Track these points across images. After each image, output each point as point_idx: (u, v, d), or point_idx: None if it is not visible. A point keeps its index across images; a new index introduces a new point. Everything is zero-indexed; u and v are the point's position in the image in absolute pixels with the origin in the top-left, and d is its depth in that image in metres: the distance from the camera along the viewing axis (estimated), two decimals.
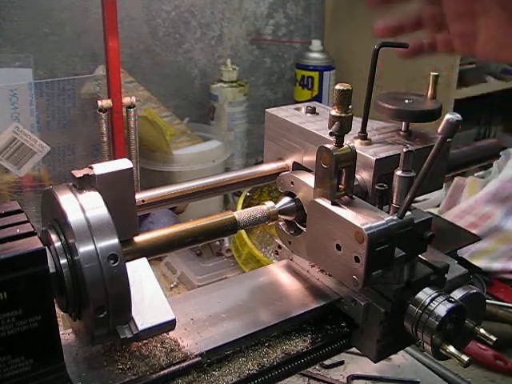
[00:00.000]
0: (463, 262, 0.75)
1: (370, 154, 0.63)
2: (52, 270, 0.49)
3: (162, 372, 0.56)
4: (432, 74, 0.68)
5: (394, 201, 0.58)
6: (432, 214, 0.73)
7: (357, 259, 0.55)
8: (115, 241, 0.50)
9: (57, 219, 0.52)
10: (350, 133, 0.59)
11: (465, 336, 0.64)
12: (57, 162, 1.32)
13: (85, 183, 0.52)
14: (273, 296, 0.68)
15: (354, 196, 0.60)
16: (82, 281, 0.49)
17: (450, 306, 0.59)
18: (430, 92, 0.69)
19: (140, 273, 0.56)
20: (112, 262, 0.49)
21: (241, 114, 1.79)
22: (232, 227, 0.63)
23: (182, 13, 1.76)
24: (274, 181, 0.71)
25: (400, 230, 0.56)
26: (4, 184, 1.26)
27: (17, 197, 1.26)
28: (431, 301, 0.60)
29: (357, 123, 0.64)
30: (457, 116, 0.51)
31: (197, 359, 0.57)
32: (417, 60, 0.76)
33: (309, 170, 0.68)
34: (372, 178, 0.62)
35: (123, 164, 0.55)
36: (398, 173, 0.57)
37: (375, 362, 0.66)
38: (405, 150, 0.56)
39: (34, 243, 0.47)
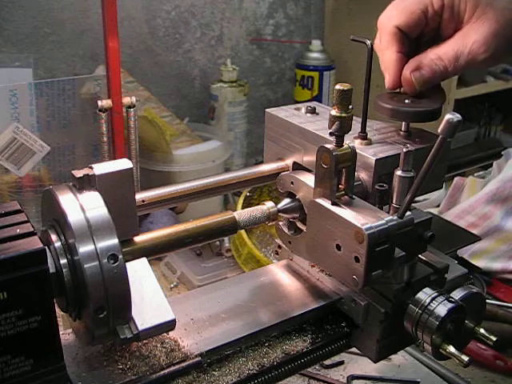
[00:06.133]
0: (463, 262, 0.75)
1: (370, 154, 0.63)
2: (52, 270, 0.49)
3: (161, 372, 0.56)
4: None
5: (394, 201, 0.58)
6: (432, 213, 0.73)
7: (357, 259, 0.55)
8: (115, 241, 0.50)
9: (57, 219, 0.52)
10: (350, 133, 0.60)
11: (465, 336, 0.64)
12: (57, 162, 1.32)
13: (85, 183, 0.52)
14: (273, 296, 0.68)
15: (353, 196, 0.60)
16: (82, 281, 0.49)
17: (450, 305, 0.59)
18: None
19: (140, 273, 0.56)
20: (112, 261, 0.49)
21: (241, 114, 1.79)
22: (232, 227, 0.63)
23: (181, 13, 1.76)
24: (274, 181, 0.71)
25: (400, 230, 0.56)
26: (4, 184, 1.26)
27: (17, 197, 1.26)
28: (431, 301, 0.60)
29: (357, 123, 0.64)
30: (457, 116, 0.51)
31: (197, 359, 0.57)
32: None
33: (309, 170, 0.68)
34: (372, 178, 0.62)
35: (123, 164, 0.55)
36: (398, 173, 0.57)
37: (375, 362, 0.66)
38: (405, 149, 0.56)
39: (34, 243, 0.47)
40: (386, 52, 0.69)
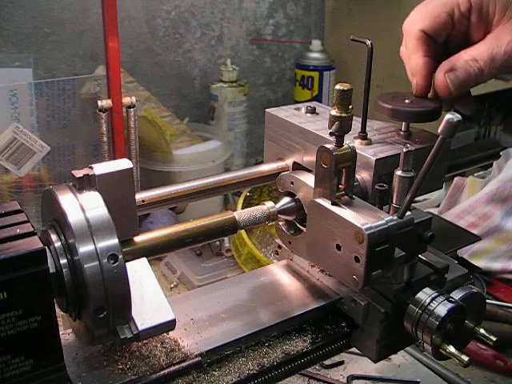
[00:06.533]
0: (463, 262, 0.75)
1: (370, 154, 0.63)
2: (52, 270, 0.49)
3: (161, 372, 0.56)
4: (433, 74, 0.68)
5: (394, 201, 0.58)
6: (432, 213, 0.73)
7: (357, 259, 0.55)
8: (115, 241, 0.50)
9: (57, 219, 0.52)
10: (350, 133, 0.60)
11: (465, 336, 0.64)
12: (57, 162, 1.32)
13: (85, 183, 0.52)
14: (273, 296, 0.68)
15: (353, 196, 0.60)
16: (82, 281, 0.49)
17: (450, 305, 0.59)
18: (430, 92, 0.69)
19: (140, 273, 0.56)
20: (112, 261, 0.49)
21: (241, 114, 1.79)
22: (232, 227, 0.63)
23: (181, 13, 1.76)
24: (274, 181, 0.71)
25: (400, 230, 0.56)
26: (4, 184, 1.26)
27: (17, 197, 1.26)
28: (431, 301, 0.60)
29: (357, 123, 0.64)
30: (457, 116, 0.51)
31: (197, 359, 0.57)
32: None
33: (309, 170, 0.68)
34: (372, 178, 0.62)
35: (123, 164, 0.55)
36: (398, 173, 0.57)
37: (375, 362, 0.66)
38: (405, 149, 0.56)
39: (34, 243, 0.47)
40: (413, 57, 0.67)
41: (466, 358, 0.58)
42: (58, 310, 0.51)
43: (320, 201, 0.60)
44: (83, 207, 0.50)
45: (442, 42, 0.69)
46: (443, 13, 0.67)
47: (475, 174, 1.60)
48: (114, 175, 0.54)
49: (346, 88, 0.57)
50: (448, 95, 0.66)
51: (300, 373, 0.99)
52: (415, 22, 0.68)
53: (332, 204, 0.58)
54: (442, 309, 0.59)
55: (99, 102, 1.19)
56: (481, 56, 0.65)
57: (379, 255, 0.55)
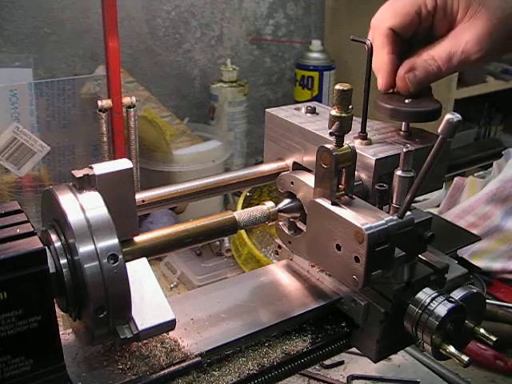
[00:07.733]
0: (463, 262, 0.75)
1: (370, 154, 0.62)
2: (52, 269, 0.49)
3: (161, 372, 0.56)
4: None
5: (394, 201, 0.58)
6: (432, 213, 0.73)
7: (357, 259, 0.55)
8: (115, 241, 0.50)
9: (57, 219, 0.52)
10: (350, 133, 0.60)
11: (465, 336, 0.64)
12: (57, 162, 1.32)
13: (85, 183, 0.52)
14: (273, 296, 0.68)
15: (354, 196, 0.60)
16: (82, 281, 0.49)
17: (450, 305, 0.59)
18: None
19: (140, 273, 0.56)
20: (112, 261, 0.49)
21: (241, 114, 1.79)
22: (232, 227, 0.63)
23: (181, 13, 1.76)
24: (274, 181, 0.71)
25: (400, 230, 0.56)
26: (4, 184, 1.26)
27: (17, 197, 1.26)
28: (431, 301, 0.60)
29: (357, 123, 0.64)
30: (457, 116, 0.51)
31: (197, 359, 0.57)
32: None
33: (309, 170, 0.68)
34: (372, 178, 0.62)
35: (123, 164, 0.55)
36: (398, 173, 0.57)
37: (375, 362, 0.66)
38: (405, 149, 0.56)
39: (34, 243, 0.47)
40: (379, 53, 0.70)
41: (466, 358, 0.58)
42: (58, 309, 0.51)
43: (320, 201, 0.60)
44: (83, 207, 0.50)
45: (407, 38, 0.71)
46: (412, 11, 0.69)
47: (475, 174, 1.60)
48: (114, 175, 0.54)
49: (345, 88, 0.57)
50: (408, 93, 0.69)
51: (300, 373, 0.99)
52: (384, 20, 0.70)
53: (332, 204, 0.58)
54: (441, 309, 0.59)
55: (99, 102, 1.19)
56: (439, 56, 0.67)
57: (379, 255, 0.55)
